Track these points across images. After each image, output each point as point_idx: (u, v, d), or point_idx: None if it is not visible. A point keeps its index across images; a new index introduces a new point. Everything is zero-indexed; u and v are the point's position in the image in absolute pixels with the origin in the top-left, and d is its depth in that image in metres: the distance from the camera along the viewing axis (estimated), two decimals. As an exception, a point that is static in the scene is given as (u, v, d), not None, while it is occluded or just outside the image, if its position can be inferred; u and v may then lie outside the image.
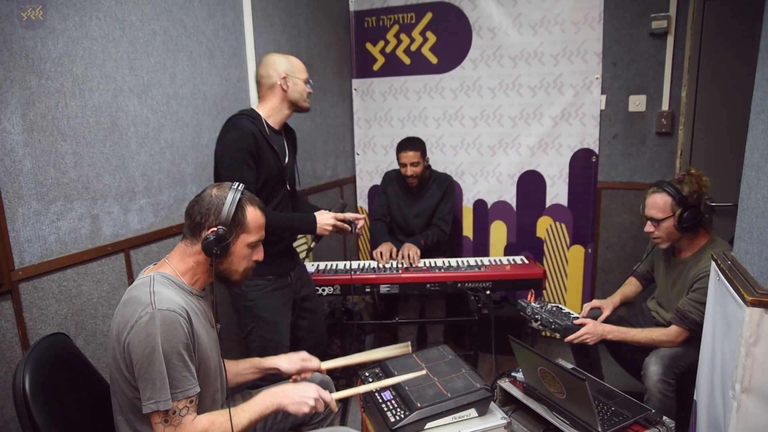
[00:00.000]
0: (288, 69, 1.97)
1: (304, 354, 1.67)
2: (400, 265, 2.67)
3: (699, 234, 2.07)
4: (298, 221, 2.01)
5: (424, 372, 1.62)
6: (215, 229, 1.31)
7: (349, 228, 2.12)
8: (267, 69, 1.98)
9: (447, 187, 3.02)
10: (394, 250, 2.77)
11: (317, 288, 2.51)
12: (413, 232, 3.03)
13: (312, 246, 2.20)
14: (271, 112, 2.00)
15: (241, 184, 1.40)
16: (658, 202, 2.03)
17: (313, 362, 1.65)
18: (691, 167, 2.08)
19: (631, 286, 2.40)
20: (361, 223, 2.17)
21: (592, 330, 2.06)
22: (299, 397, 1.36)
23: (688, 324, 1.96)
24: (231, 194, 1.35)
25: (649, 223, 2.08)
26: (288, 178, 2.09)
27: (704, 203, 2.02)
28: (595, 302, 2.30)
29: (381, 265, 2.68)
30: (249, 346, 2.05)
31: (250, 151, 1.84)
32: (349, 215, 2.12)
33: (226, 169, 1.84)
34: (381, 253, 2.74)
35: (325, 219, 2.05)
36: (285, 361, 1.64)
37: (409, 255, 2.69)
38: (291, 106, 2.02)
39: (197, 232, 1.34)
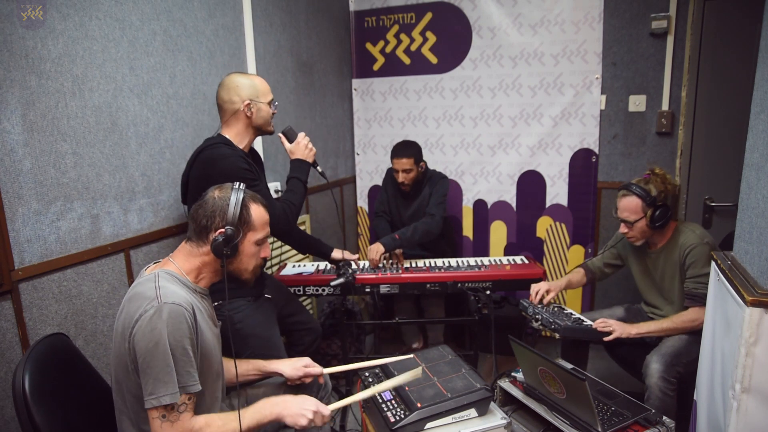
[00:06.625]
0: (251, 94, 1.87)
1: (307, 360, 1.68)
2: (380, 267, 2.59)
3: (669, 225, 2.15)
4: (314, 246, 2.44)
5: (420, 371, 1.61)
6: (223, 230, 1.32)
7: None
8: (230, 94, 1.87)
9: (437, 183, 2.90)
10: (382, 249, 2.63)
11: (318, 288, 2.52)
12: None
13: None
14: (237, 137, 1.90)
15: (242, 184, 1.40)
16: (629, 205, 2.11)
17: (316, 369, 1.67)
18: (655, 167, 2.16)
19: (577, 276, 2.48)
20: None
21: (622, 332, 2.07)
22: (298, 409, 1.37)
23: (701, 300, 1.97)
24: (234, 194, 1.36)
25: (623, 224, 2.16)
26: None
27: (671, 198, 2.10)
28: (543, 284, 2.36)
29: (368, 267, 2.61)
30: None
31: (250, 169, 1.82)
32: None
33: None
34: (372, 259, 2.60)
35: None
36: (288, 367, 1.65)
37: (374, 258, 2.58)
38: (255, 131, 1.95)
39: (204, 235, 1.35)
